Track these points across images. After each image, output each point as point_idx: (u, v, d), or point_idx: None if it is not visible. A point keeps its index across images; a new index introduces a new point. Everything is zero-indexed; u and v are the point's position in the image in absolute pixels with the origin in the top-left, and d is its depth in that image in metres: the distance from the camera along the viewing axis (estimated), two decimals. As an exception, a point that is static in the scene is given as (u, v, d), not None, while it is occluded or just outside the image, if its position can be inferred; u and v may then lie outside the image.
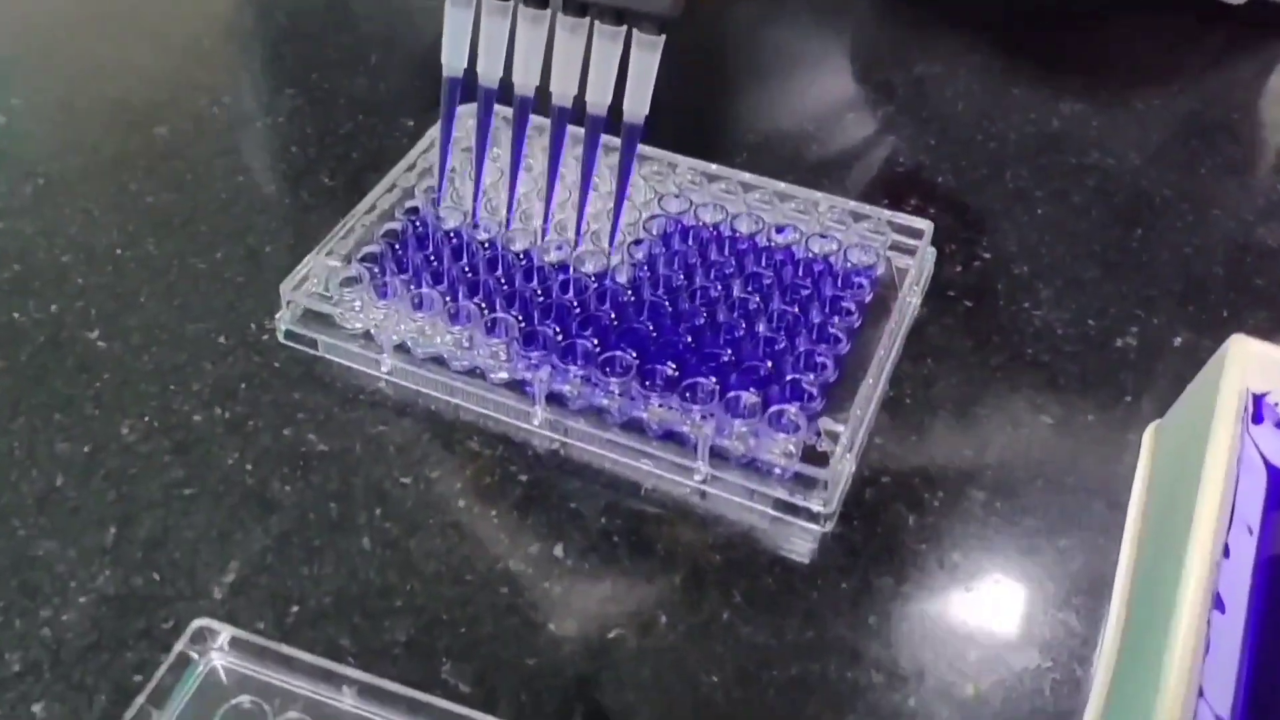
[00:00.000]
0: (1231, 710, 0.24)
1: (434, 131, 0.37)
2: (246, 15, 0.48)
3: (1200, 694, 0.23)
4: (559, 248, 0.34)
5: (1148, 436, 0.32)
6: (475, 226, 0.34)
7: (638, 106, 0.32)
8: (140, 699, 0.24)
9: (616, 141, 0.35)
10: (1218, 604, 0.25)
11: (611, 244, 0.34)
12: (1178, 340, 0.33)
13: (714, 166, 0.36)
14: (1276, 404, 0.28)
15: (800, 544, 0.28)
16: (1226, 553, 0.26)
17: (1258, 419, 0.28)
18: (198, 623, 0.25)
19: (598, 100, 0.32)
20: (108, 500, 0.29)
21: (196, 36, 0.46)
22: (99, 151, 0.40)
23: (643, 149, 0.36)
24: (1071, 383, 0.32)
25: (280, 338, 0.33)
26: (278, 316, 0.33)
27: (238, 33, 0.47)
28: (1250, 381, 0.28)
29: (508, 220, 0.34)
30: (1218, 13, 0.45)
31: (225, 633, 0.25)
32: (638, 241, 0.34)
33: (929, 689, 0.26)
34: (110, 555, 0.28)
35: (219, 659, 0.26)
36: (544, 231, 0.34)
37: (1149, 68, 0.44)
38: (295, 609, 0.27)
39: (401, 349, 0.32)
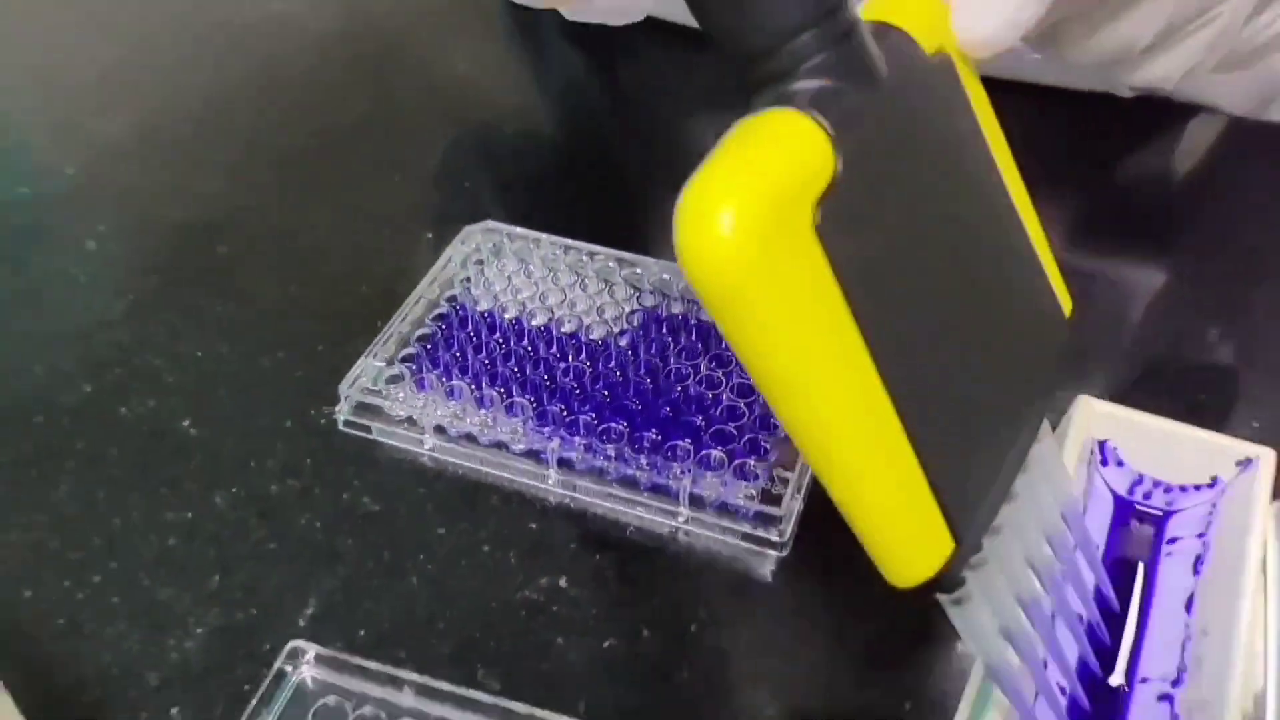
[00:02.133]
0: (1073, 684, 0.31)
1: (452, 248, 0.46)
2: (282, 141, 0.56)
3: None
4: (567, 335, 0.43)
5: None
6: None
7: None
8: (252, 703, 0.32)
9: (597, 249, 0.43)
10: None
11: None
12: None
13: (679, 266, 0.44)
14: (1116, 447, 0.36)
15: (757, 568, 0.36)
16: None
17: (1104, 463, 0.36)
18: (292, 644, 0.33)
19: None
20: (209, 556, 0.37)
21: (240, 162, 0.54)
22: (173, 270, 0.48)
23: (621, 254, 0.45)
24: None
25: (340, 426, 0.41)
26: (337, 409, 0.41)
27: (275, 156, 0.55)
28: (1095, 431, 0.36)
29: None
30: (1111, 105, 0.54)
31: (312, 650, 0.33)
32: (623, 332, 0.43)
33: (849, 673, 0.34)
34: (217, 598, 0.36)
35: (308, 671, 0.33)
36: None
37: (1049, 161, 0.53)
38: (362, 633, 0.35)
39: (439, 429, 0.40)
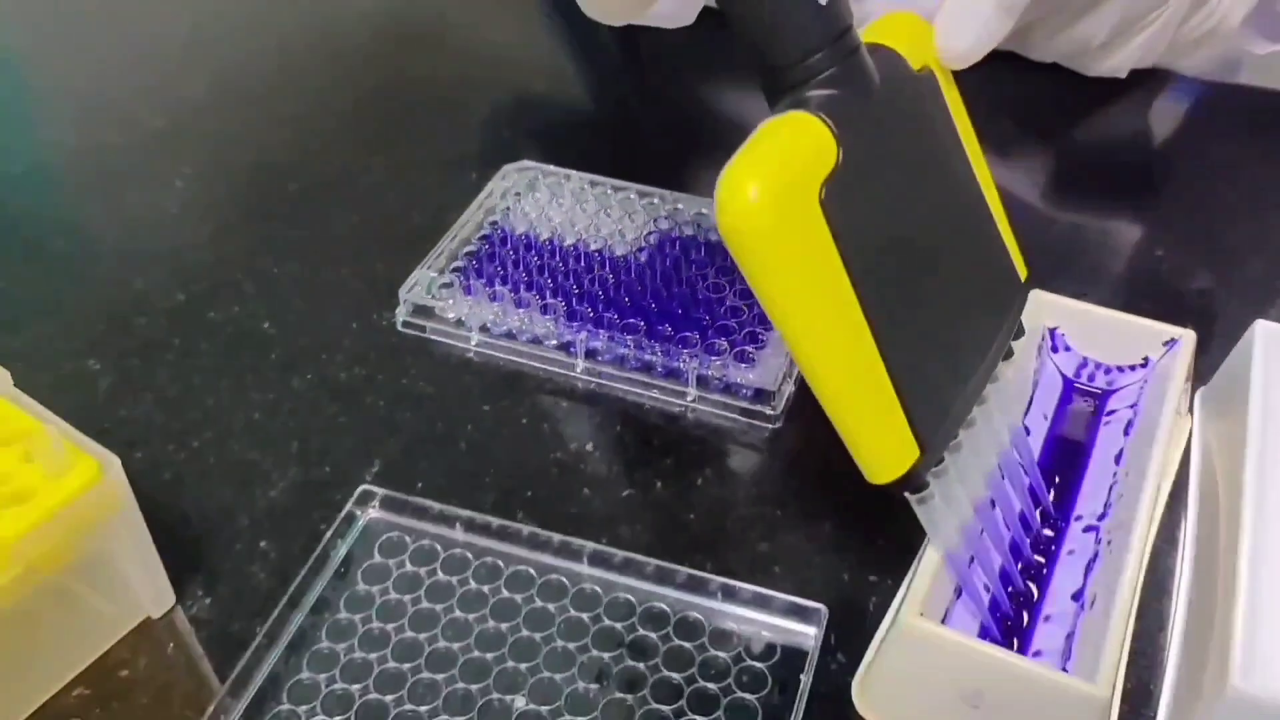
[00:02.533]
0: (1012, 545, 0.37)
1: (493, 183, 0.52)
2: (342, 97, 0.63)
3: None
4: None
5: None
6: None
7: None
8: (327, 536, 0.39)
9: (619, 183, 0.50)
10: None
11: None
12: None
13: (690, 196, 0.51)
14: (1064, 334, 0.42)
15: (753, 437, 0.43)
16: (1027, 431, 0.40)
17: (1055, 349, 0.42)
18: (362, 487, 0.40)
19: None
20: (290, 427, 0.44)
21: (305, 116, 0.61)
22: (251, 201, 0.55)
23: (640, 186, 0.51)
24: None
25: (398, 326, 0.47)
26: (397, 311, 0.47)
27: (338, 109, 0.62)
28: (1046, 320, 0.42)
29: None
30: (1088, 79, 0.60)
31: (380, 493, 0.40)
32: (641, 249, 0.49)
33: (827, 519, 0.40)
34: (296, 459, 0.42)
35: (374, 513, 0.40)
36: None
37: (1031, 125, 0.59)
38: (420, 485, 0.41)
39: (483, 329, 0.47)
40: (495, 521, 0.39)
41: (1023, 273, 0.36)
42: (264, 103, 0.62)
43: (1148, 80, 0.61)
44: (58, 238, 0.53)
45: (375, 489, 0.40)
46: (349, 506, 0.40)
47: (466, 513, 0.39)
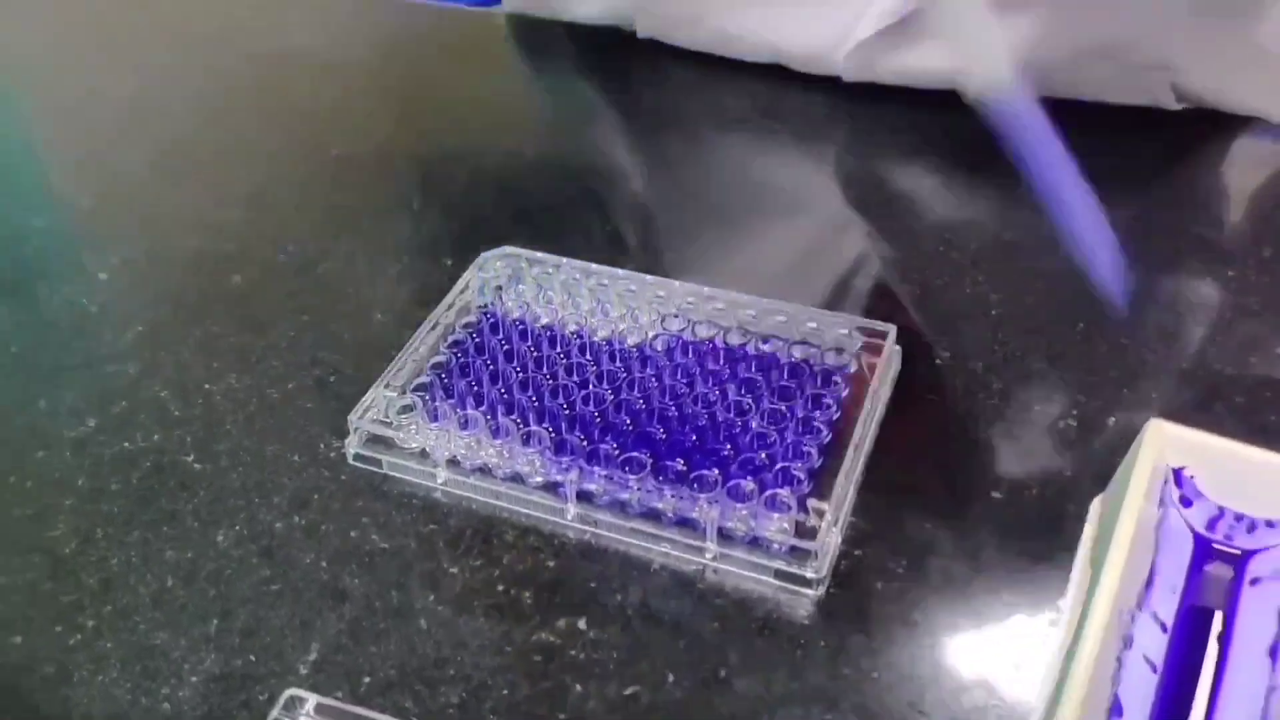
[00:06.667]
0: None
1: (470, 274, 0.44)
2: (302, 169, 0.55)
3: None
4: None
5: (1094, 506, 0.36)
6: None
7: None
8: (244, 758, 0.30)
9: (619, 272, 0.41)
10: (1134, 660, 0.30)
11: None
12: (1111, 420, 0.38)
13: (707, 289, 0.42)
14: (1193, 476, 0.33)
15: (791, 609, 0.34)
16: (1141, 606, 0.31)
17: (1185, 502, 0.33)
18: (289, 692, 0.31)
19: None
20: (209, 597, 0.35)
21: (259, 191, 0.53)
22: (185, 300, 0.47)
23: (643, 276, 0.43)
24: (1018, 461, 0.37)
25: (350, 459, 0.39)
26: (347, 441, 0.39)
27: (295, 185, 0.54)
28: (1169, 458, 0.33)
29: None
30: (1158, 120, 0.52)
31: (312, 700, 0.31)
32: (646, 358, 0.40)
33: (895, 726, 0.30)
34: (214, 642, 0.34)
35: (307, 724, 0.31)
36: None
37: (1095, 179, 0.50)
38: (367, 680, 0.32)
39: (452, 462, 0.38)
40: (458, 742, 0.30)
41: None
42: (211, 178, 0.54)
43: (1230, 132, 0.52)
44: (-46, 347, 0.45)
45: (305, 695, 0.31)
46: (275, 712, 0.31)
47: (421, 729, 0.30)
